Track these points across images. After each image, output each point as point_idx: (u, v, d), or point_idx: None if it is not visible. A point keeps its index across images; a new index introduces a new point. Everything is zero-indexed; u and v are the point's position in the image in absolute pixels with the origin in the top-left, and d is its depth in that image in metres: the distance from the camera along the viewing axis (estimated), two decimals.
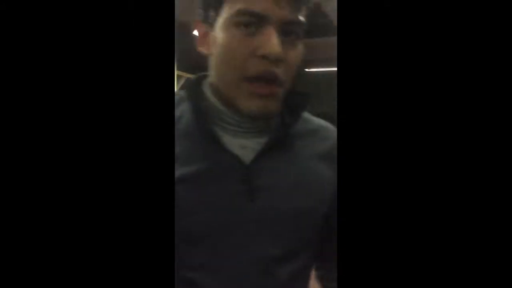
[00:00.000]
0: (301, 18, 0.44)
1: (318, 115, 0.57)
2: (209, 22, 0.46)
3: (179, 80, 6.40)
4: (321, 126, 0.57)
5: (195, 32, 0.49)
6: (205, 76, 0.53)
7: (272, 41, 0.41)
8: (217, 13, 0.44)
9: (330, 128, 0.57)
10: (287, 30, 0.43)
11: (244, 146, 0.47)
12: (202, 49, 0.49)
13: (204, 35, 0.48)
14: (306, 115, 0.55)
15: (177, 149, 0.44)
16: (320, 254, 0.55)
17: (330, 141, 0.54)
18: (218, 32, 0.44)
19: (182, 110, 0.49)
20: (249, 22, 0.41)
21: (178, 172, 0.43)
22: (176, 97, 0.52)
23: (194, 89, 0.50)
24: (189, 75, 6.43)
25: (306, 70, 5.04)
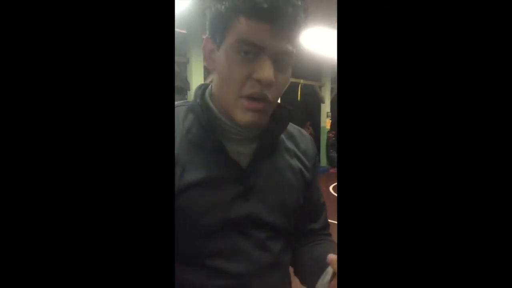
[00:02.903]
0: (292, 48, 0.51)
1: None
2: (216, 43, 0.54)
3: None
4: (297, 131, 0.70)
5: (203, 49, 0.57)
6: (207, 86, 0.63)
7: (265, 69, 0.50)
8: (222, 38, 0.52)
9: (303, 133, 0.71)
10: (279, 59, 0.51)
11: (241, 153, 0.58)
12: (207, 65, 0.57)
13: (210, 52, 0.56)
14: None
15: (190, 157, 0.55)
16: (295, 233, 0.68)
17: (305, 143, 0.69)
18: (222, 54, 0.53)
19: (191, 122, 0.59)
20: (248, 50, 0.50)
21: (195, 176, 0.54)
22: (183, 108, 0.61)
23: (201, 100, 0.59)
24: (305, 82, 6.63)
25: None
